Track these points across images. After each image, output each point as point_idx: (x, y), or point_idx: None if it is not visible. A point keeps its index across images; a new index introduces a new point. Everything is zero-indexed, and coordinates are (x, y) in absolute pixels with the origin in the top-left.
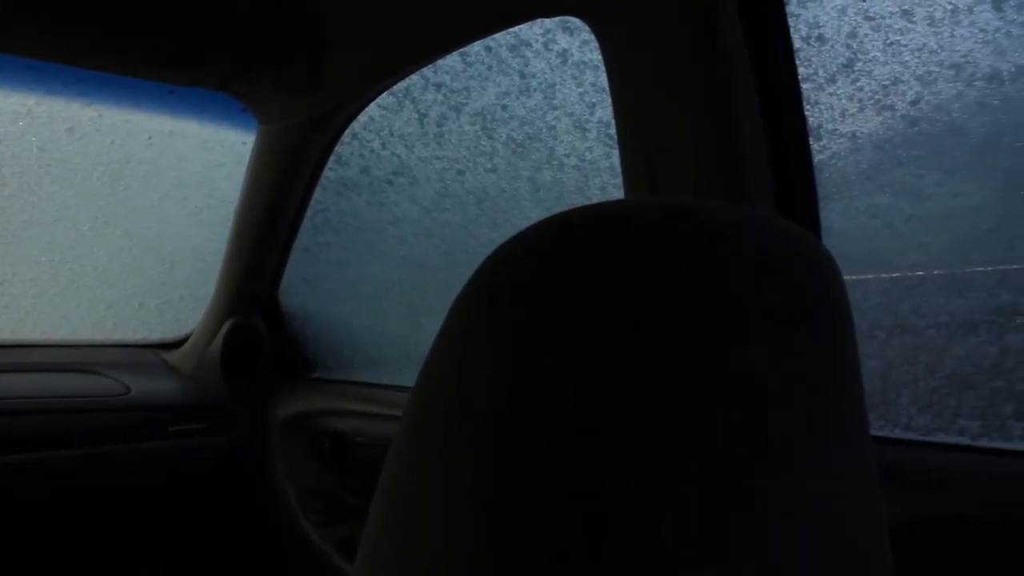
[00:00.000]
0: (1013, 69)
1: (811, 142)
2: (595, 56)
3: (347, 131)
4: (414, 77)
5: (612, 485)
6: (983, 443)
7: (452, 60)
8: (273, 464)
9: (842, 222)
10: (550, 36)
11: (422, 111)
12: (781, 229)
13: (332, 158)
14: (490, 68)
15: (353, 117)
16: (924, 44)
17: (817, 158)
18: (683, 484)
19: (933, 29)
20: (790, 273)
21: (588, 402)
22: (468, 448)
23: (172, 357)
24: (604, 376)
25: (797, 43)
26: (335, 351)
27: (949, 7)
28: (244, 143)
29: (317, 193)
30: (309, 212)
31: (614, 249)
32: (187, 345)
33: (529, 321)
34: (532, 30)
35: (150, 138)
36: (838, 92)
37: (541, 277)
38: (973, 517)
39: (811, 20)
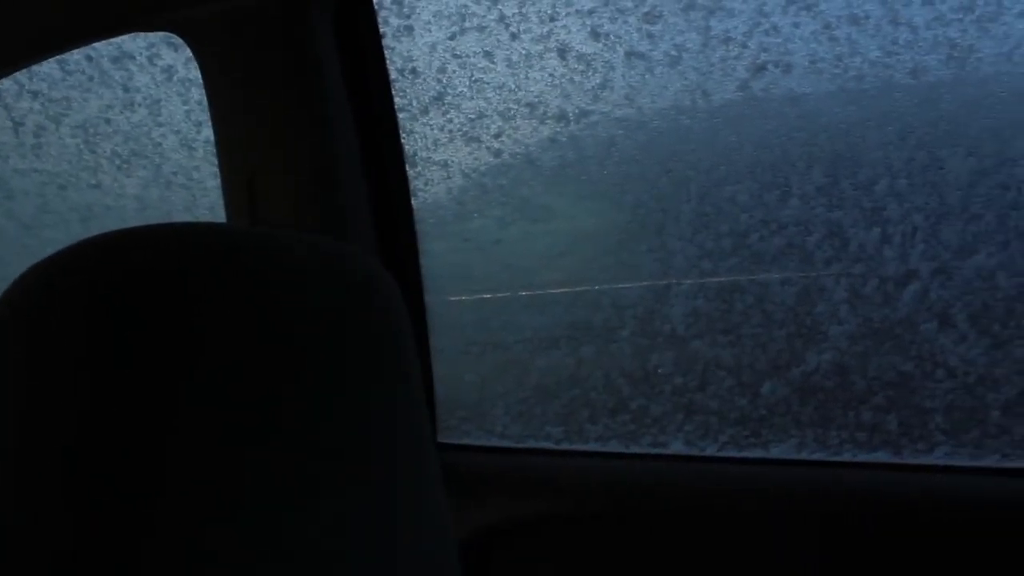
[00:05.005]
0: (577, 111)
1: (407, 169)
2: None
3: None
4: (6, 82)
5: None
6: (565, 446)
7: (50, 67)
8: None
9: (438, 244)
10: (154, 50)
11: (17, 119)
12: (339, 252)
13: None
14: (91, 79)
15: None
16: (504, 83)
17: (413, 184)
18: (236, 495)
19: (511, 70)
20: (347, 294)
21: (140, 425)
22: None
23: None
24: (156, 399)
25: (393, 75)
26: None
27: (524, 52)
28: None
29: None
30: None
31: (147, 273)
32: None
33: (48, 348)
34: (136, 43)
35: None
36: (431, 123)
37: (69, 301)
38: (562, 514)
39: (405, 54)
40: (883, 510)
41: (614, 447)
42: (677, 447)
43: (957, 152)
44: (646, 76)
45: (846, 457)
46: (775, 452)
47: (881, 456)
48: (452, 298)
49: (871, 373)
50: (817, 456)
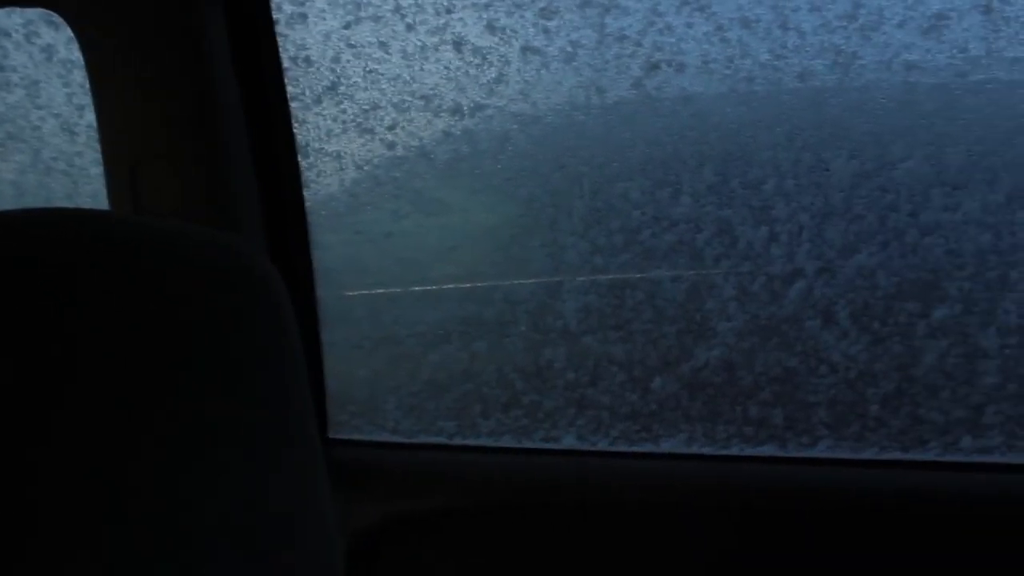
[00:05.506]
0: (472, 104)
1: (299, 160)
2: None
3: None
4: None
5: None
6: (458, 441)
7: None
8: None
9: (330, 237)
10: (32, 28)
11: None
12: (223, 244)
13: None
14: None
15: None
16: (399, 74)
17: (305, 175)
18: (121, 486)
19: (406, 62)
20: (230, 287)
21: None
22: None
23: None
24: (29, 395)
25: (286, 63)
26: None
27: (419, 44)
28: None
29: None
30: None
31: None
32: None
33: None
34: (11, 19)
35: None
36: (324, 113)
37: None
38: (455, 509)
39: (299, 42)
40: (769, 503)
41: (507, 442)
42: (569, 442)
43: (841, 154)
44: (541, 71)
45: (734, 451)
46: (665, 446)
47: (767, 450)
48: (344, 292)
49: (758, 369)
50: (706, 450)
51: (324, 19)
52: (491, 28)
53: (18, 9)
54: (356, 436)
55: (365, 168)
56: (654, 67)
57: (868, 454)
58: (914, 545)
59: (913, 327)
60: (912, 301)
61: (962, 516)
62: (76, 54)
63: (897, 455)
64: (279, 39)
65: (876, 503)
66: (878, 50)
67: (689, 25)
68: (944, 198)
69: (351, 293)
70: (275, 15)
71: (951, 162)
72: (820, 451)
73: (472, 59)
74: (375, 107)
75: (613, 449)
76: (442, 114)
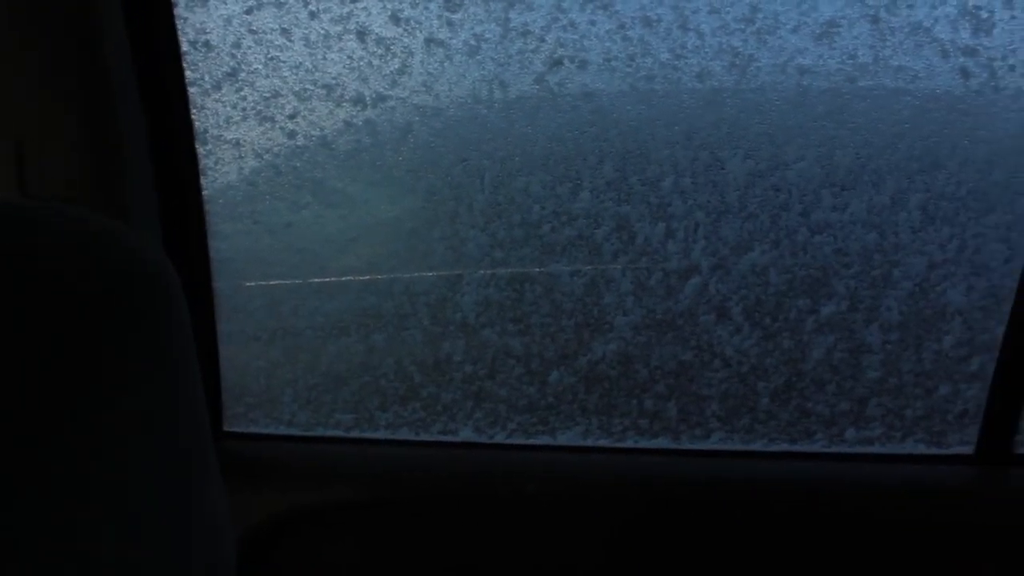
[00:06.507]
0: (374, 95)
1: (197, 146)
2: None
3: None
4: None
5: None
6: (355, 434)
7: None
8: None
9: (229, 226)
10: None
11: None
12: (110, 231)
13: None
14: None
15: None
16: (301, 63)
17: (203, 162)
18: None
19: (309, 50)
20: (116, 275)
21: None
22: None
23: None
24: None
25: (184, 46)
26: None
27: (322, 32)
28: None
29: None
30: None
31: None
32: None
33: None
34: None
35: None
36: (223, 99)
37: None
38: (352, 502)
39: (198, 25)
40: (663, 494)
41: (405, 435)
42: (467, 434)
43: (736, 154)
44: (445, 64)
45: (629, 443)
46: (562, 439)
47: (662, 442)
48: (242, 282)
49: (653, 363)
50: (602, 443)
51: (225, 3)
52: (395, 19)
53: None
54: (253, 429)
55: (265, 157)
56: (557, 63)
57: (758, 446)
58: (801, 533)
59: (802, 323)
60: (802, 298)
61: (846, 504)
62: None
63: (785, 447)
64: (178, 21)
65: (765, 493)
66: (773, 53)
67: (592, 23)
68: (833, 198)
69: (249, 284)
70: None
71: (840, 164)
72: (712, 443)
73: (375, 49)
74: (276, 95)
75: (510, 442)
76: (344, 104)
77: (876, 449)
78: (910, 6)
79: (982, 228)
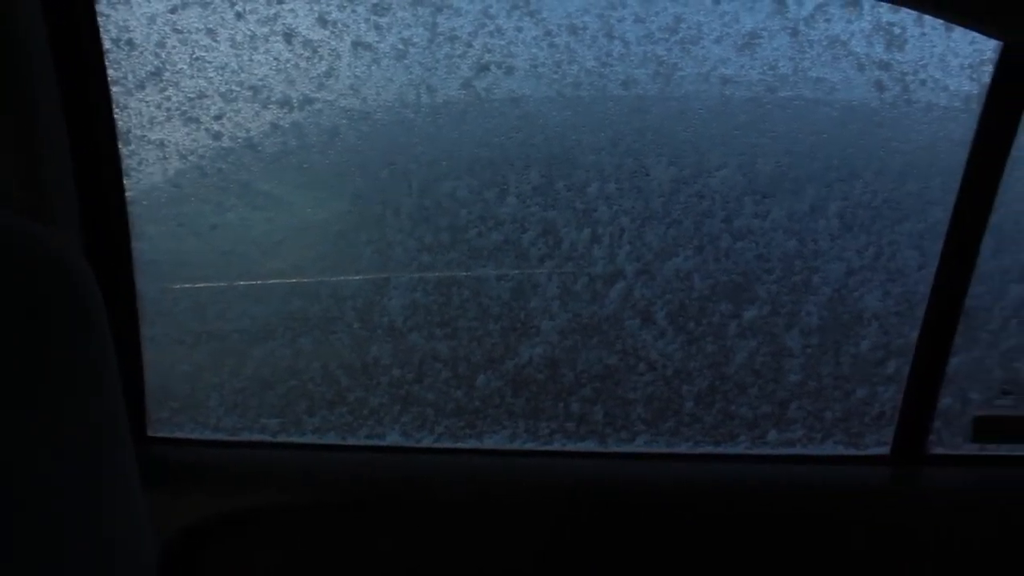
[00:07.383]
0: (301, 97)
1: (120, 147)
2: None
3: None
4: None
5: None
6: (282, 439)
7: None
8: None
9: (152, 228)
10: None
11: None
12: (22, 232)
13: None
14: None
15: None
16: (227, 64)
17: (126, 163)
18: None
19: (235, 51)
20: (30, 279)
21: None
22: None
23: None
24: None
25: (107, 44)
26: None
27: (249, 33)
28: None
29: None
30: None
31: None
32: None
33: None
34: None
35: None
36: (147, 99)
37: None
38: (278, 506)
39: (121, 23)
40: (590, 497)
41: (332, 439)
42: (394, 439)
43: (661, 161)
44: (372, 68)
45: (556, 446)
46: (489, 443)
47: (588, 445)
48: (166, 285)
49: (580, 366)
50: (529, 446)
51: (148, 1)
52: (323, 21)
53: None
54: (177, 434)
55: (190, 158)
56: (484, 68)
57: (683, 448)
58: (726, 533)
59: (725, 327)
60: (725, 302)
61: (769, 505)
62: None
63: (709, 449)
64: (100, 19)
65: (690, 495)
66: (697, 63)
67: (519, 29)
68: (755, 206)
69: (173, 287)
70: None
71: (761, 172)
72: (638, 446)
73: (302, 52)
74: (201, 96)
75: (438, 446)
76: (270, 106)
77: (797, 450)
78: (827, 20)
79: (897, 235)
